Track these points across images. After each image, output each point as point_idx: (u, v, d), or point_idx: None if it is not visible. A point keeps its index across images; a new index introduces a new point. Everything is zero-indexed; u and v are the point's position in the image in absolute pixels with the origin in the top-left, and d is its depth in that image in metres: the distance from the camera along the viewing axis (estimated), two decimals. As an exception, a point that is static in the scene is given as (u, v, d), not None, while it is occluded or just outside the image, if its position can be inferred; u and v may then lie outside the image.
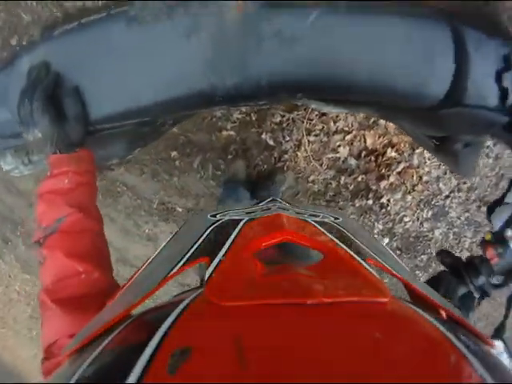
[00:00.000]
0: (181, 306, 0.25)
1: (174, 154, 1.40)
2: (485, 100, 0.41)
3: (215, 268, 0.30)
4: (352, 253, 0.34)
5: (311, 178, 1.45)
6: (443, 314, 0.29)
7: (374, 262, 0.33)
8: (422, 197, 1.50)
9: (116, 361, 0.21)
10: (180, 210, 1.55)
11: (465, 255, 0.51)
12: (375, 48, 0.43)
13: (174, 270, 0.32)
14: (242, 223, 0.40)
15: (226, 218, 0.43)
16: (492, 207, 0.45)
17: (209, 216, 0.45)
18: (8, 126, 0.53)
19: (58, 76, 0.48)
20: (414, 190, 1.48)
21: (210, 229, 0.40)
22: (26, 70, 0.48)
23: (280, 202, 0.54)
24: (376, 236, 1.56)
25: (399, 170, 1.42)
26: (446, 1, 0.45)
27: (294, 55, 0.44)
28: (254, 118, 1.32)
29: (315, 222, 0.41)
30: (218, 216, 0.44)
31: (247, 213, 0.45)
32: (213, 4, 0.45)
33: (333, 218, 0.44)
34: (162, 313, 0.25)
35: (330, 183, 1.47)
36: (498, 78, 0.40)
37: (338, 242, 0.36)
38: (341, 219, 0.44)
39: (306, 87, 0.47)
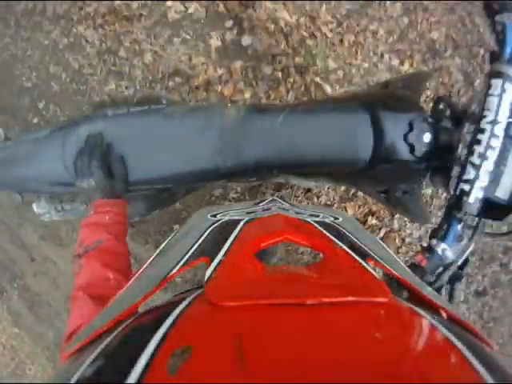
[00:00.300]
0: (181, 306, 0.25)
1: (176, 227, 1.49)
2: (400, 155, 0.58)
3: (215, 268, 0.30)
4: (352, 253, 0.34)
5: (300, 249, 1.50)
6: (443, 313, 0.29)
7: (374, 261, 0.33)
8: (407, 258, 1.51)
9: (116, 361, 0.21)
10: (178, 280, 1.57)
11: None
12: (320, 134, 0.63)
13: (174, 270, 0.32)
14: (242, 223, 0.39)
15: (226, 217, 0.43)
16: (433, 232, 0.57)
17: (209, 216, 0.45)
18: (57, 175, 0.67)
19: (109, 145, 0.63)
20: (398, 253, 1.51)
21: (210, 229, 0.40)
22: (84, 136, 0.63)
23: (280, 202, 0.55)
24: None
25: (381, 235, 1.48)
26: (369, 96, 0.69)
27: (270, 144, 0.63)
28: (247, 197, 1.44)
29: (315, 222, 0.41)
30: (218, 216, 0.44)
31: (247, 213, 0.45)
32: (218, 110, 0.66)
33: (333, 218, 0.44)
34: (162, 312, 0.25)
35: (319, 254, 1.54)
36: (405, 138, 0.57)
37: (337, 241, 0.36)
38: (341, 219, 0.44)
39: (280, 165, 0.66)
